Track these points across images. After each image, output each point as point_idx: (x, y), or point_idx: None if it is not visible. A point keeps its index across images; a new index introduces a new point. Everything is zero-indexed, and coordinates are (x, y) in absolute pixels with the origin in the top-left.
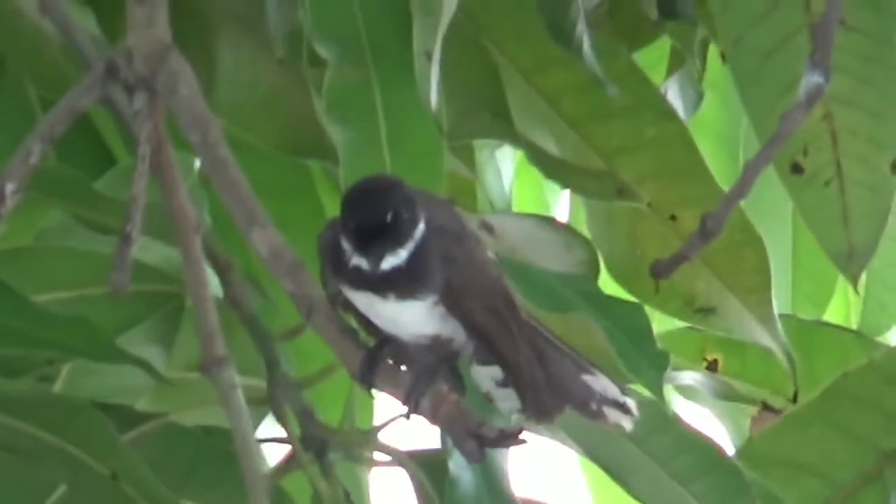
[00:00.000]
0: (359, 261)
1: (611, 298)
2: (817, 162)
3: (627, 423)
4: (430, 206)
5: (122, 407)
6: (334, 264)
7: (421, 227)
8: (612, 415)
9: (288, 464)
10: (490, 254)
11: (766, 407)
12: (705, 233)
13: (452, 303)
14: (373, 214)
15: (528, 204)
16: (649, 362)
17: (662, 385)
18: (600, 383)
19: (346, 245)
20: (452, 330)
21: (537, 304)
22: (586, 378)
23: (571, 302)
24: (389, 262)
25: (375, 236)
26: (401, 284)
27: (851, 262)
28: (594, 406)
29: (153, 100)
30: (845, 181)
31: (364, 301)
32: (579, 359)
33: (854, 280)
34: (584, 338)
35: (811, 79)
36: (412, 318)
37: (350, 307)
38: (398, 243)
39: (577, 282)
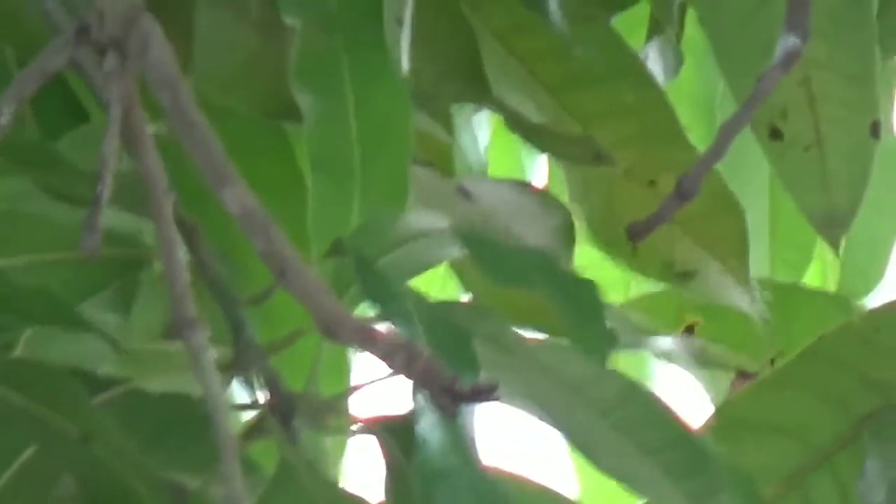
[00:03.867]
0: None
1: (564, 274)
2: (796, 127)
3: None
4: None
5: (84, 373)
6: None
7: None
8: None
9: (254, 430)
10: None
11: (742, 372)
12: (681, 194)
13: None
14: None
15: (504, 169)
16: (598, 339)
17: (609, 361)
18: None
19: None
20: None
21: (497, 278)
22: None
23: (527, 276)
24: None
25: None
26: None
27: (832, 226)
28: None
29: (124, 61)
30: (825, 146)
31: None
32: None
33: (835, 245)
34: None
35: (788, 40)
36: None
37: None
38: None
39: (539, 257)
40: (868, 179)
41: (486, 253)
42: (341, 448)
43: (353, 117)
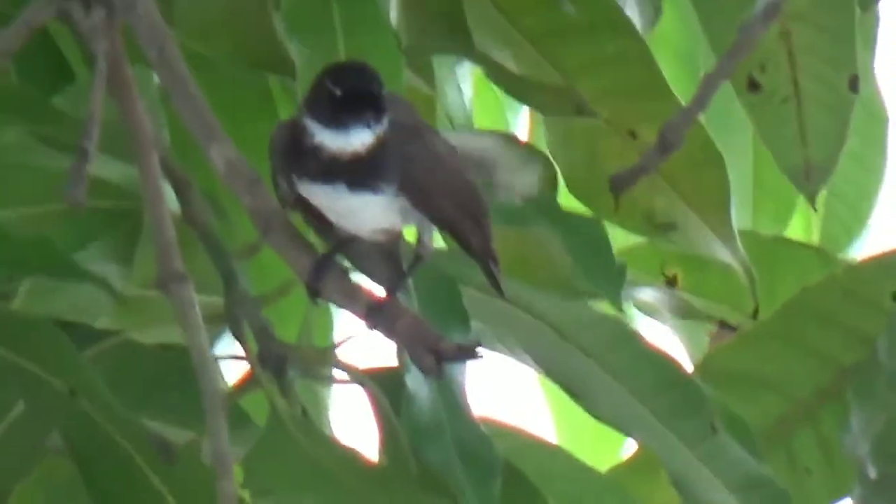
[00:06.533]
0: (332, 137)
1: (569, 214)
2: (775, 80)
3: None
4: (391, 102)
5: (81, 325)
6: (290, 158)
7: (386, 116)
8: None
9: (246, 382)
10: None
11: (724, 324)
12: (664, 146)
13: (419, 198)
14: (365, 82)
15: (488, 122)
16: (607, 276)
17: (621, 299)
18: None
19: (313, 124)
20: (415, 221)
21: (495, 218)
22: None
23: (530, 217)
24: (364, 136)
25: (366, 103)
26: (358, 174)
27: (809, 179)
28: None
29: (110, 15)
30: (803, 99)
31: (321, 194)
32: None
33: (811, 198)
34: (542, 253)
35: None
36: (371, 212)
37: (304, 206)
38: (378, 117)
39: (542, 199)
40: (846, 134)
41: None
42: (333, 399)
43: None
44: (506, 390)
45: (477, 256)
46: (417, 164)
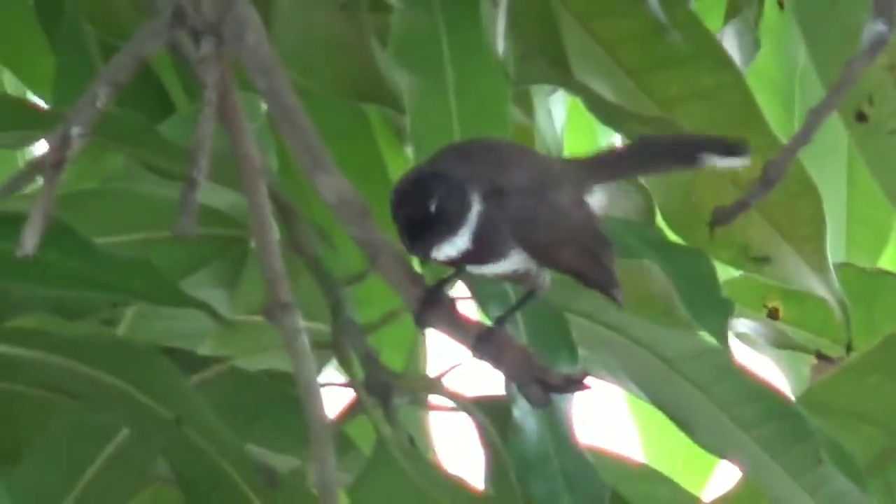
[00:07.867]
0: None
1: (674, 245)
2: (882, 111)
3: None
4: (499, 164)
5: (185, 351)
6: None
7: (475, 208)
8: None
9: (352, 409)
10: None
11: (824, 356)
12: (767, 180)
13: (541, 257)
14: (415, 206)
15: (580, 150)
16: (713, 309)
17: (726, 332)
18: None
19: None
20: (533, 266)
21: None
22: None
23: (635, 248)
24: (445, 251)
25: (421, 229)
26: (474, 259)
27: None
28: None
29: (220, 46)
30: None
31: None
32: None
33: None
34: (644, 284)
35: (874, 27)
36: (496, 269)
37: None
38: (447, 233)
39: (639, 228)
40: None
41: None
42: (438, 426)
43: (453, 95)
44: (592, 413)
45: (598, 288)
46: (534, 226)
